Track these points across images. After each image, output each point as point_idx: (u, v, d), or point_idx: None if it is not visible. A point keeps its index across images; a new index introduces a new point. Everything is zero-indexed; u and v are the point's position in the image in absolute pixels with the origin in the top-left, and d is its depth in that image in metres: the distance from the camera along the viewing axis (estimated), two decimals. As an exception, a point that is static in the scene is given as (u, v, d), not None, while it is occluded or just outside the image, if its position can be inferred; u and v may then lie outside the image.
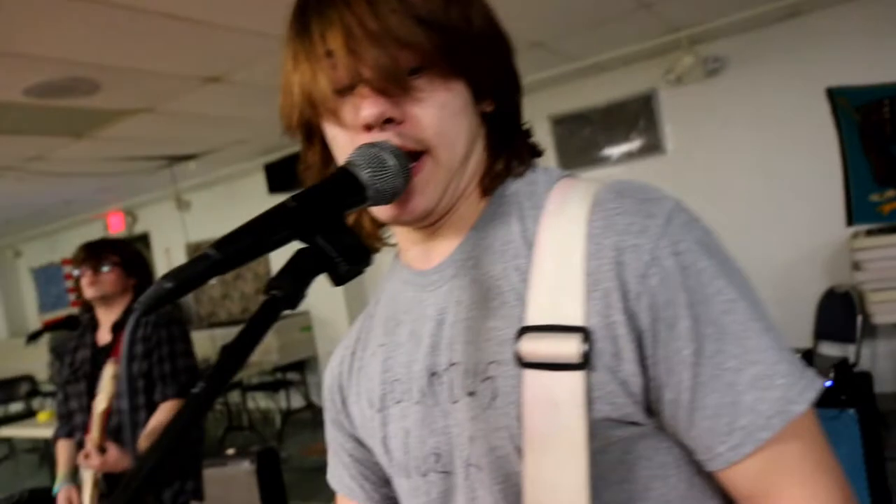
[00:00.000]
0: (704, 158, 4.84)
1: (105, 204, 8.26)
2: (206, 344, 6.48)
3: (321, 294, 6.38)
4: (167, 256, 8.50)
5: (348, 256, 0.57)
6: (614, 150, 5.25)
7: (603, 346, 0.61)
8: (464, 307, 0.70)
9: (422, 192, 0.67)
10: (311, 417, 7.23)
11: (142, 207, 8.61)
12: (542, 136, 5.44)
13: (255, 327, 0.50)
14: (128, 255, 2.43)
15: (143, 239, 8.97)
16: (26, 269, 10.70)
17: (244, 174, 7.15)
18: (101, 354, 2.37)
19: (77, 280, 2.38)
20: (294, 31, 0.68)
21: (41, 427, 4.87)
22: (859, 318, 4.06)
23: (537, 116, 5.53)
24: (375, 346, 0.81)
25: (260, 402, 7.37)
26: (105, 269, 2.34)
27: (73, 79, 3.53)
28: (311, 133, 0.74)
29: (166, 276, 0.48)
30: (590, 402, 0.61)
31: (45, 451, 5.56)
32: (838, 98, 4.37)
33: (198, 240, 8.06)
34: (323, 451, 3.01)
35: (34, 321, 10.57)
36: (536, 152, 0.77)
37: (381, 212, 0.69)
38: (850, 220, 4.41)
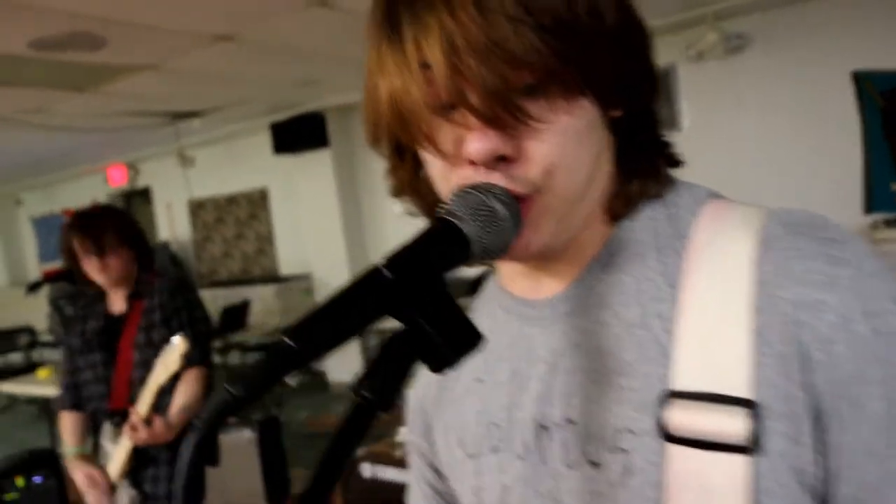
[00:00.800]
0: (721, 137, 4.74)
1: (106, 157, 8.16)
2: (207, 304, 6.45)
3: (323, 257, 6.32)
4: (168, 212, 8.44)
5: (452, 339, 0.46)
6: (629, 125, 5.14)
7: (775, 426, 0.50)
8: (584, 354, 0.59)
9: (535, 228, 0.55)
10: (310, 381, 7.24)
11: (144, 161, 8.50)
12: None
13: (345, 439, 0.42)
14: (124, 228, 2.29)
15: (145, 193, 8.88)
16: (27, 217, 10.62)
17: (249, 132, 7.04)
18: (117, 324, 2.31)
19: (72, 256, 2.29)
20: (380, 26, 0.54)
21: (41, 384, 4.83)
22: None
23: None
24: (470, 380, 0.69)
25: (259, 362, 7.37)
26: (110, 255, 2.24)
27: (79, 33, 3.41)
28: (401, 148, 0.61)
29: (234, 383, 0.40)
30: (752, 493, 0.50)
31: (44, 404, 5.55)
32: (864, 82, 4.25)
33: (201, 196, 7.97)
34: (329, 425, 2.97)
35: (34, 271, 10.53)
36: (674, 162, 0.63)
37: None
38: (869, 207, 4.34)
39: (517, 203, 0.52)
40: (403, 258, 0.47)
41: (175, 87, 4.86)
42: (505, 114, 0.50)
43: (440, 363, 0.46)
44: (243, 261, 7.92)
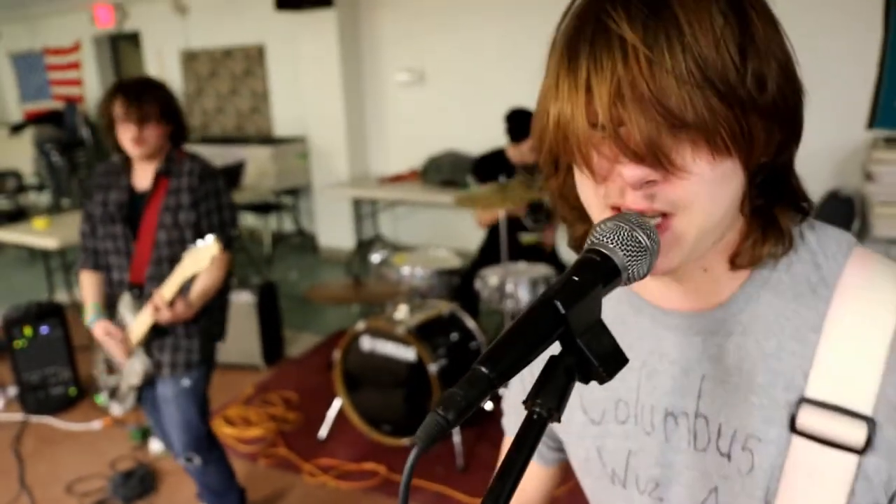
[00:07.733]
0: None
1: (93, -5, 7.74)
2: (201, 161, 6.39)
3: (319, 120, 6.24)
4: (159, 59, 8.14)
5: (605, 360, 0.54)
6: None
7: (883, 440, 0.61)
8: (723, 369, 0.69)
9: (665, 253, 0.60)
10: (300, 243, 7.37)
11: (133, 4, 8.09)
12: None
13: (522, 448, 0.50)
14: (166, 101, 2.33)
15: (133, 38, 8.53)
16: (5, 53, 10.17)
17: (249, -16, 6.72)
18: (140, 200, 2.37)
19: (110, 122, 2.29)
20: (563, 50, 0.60)
21: (36, 234, 4.74)
22: (856, 223, 4.14)
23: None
24: None
25: (250, 221, 7.45)
26: (149, 126, 2.27)
27: None
28: (557, 163, 0.69)
29: (443, 406, 0.47)
30: (852, 482, 0.62)
31: (38, 252, 5.59)
32: (896, -3, 4.15)
33: (195, 47, 7.69)
34: (325, 297, 3.05)
35: (15, 111, 10.25)
36: (805, 213, 0.68)
37: None
38: (871, 123, 4.37)
39: (658, 235, 0.59)
40: (569, 289, 0.54)
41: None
42: (653, 160, 0.56)
43: (595, 380, 0.55)
44: (237, 118, 7.78)
